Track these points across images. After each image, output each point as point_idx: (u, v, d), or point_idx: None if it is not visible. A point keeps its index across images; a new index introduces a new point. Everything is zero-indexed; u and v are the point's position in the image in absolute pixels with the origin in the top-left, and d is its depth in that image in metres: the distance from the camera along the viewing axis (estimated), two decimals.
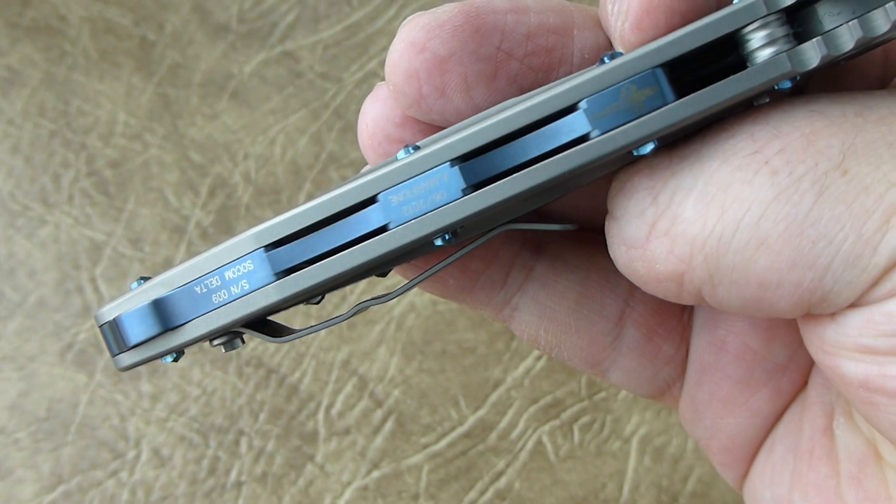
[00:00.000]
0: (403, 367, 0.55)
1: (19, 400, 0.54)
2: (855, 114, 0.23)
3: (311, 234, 0.27)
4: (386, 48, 0.61)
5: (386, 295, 0.29)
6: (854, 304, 0.23)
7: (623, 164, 0.26)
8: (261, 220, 0.50)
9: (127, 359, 0.29)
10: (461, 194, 0.25)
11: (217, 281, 0.27)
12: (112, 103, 0.60)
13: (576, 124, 0.24)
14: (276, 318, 0.31)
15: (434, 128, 0.28)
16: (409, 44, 0.26)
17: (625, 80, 0.24)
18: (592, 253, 0.32)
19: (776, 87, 0.24)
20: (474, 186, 0.25)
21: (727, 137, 0.23)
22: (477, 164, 0.25)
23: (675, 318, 0.32)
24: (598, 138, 0.24)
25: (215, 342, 0.29)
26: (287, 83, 0.61)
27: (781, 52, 0.24)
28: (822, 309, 0.23)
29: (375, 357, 0.55)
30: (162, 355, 0.29)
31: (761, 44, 0.24)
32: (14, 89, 0.60)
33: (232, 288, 0.27)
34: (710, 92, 0.24)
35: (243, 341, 0.29)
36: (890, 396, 0.23)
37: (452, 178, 0.25)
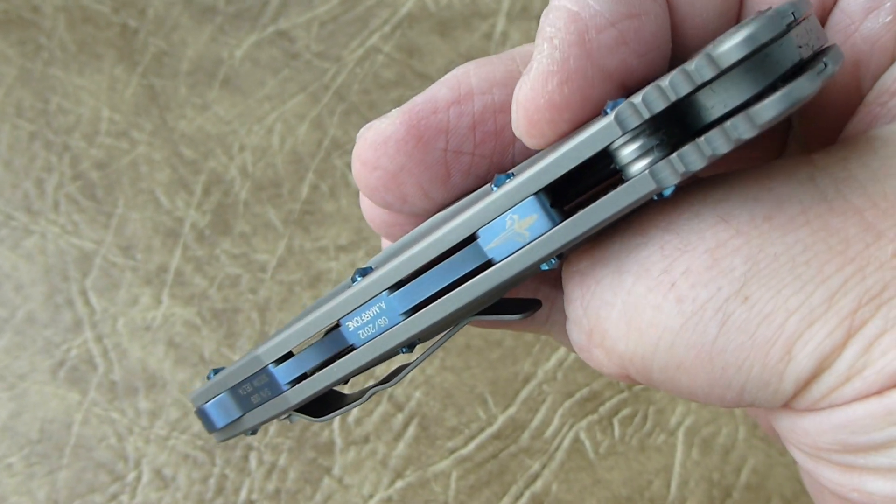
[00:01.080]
0: (424, 365, 0.54)
1: (10, 422, 0.53)
2: (763, 217, 0.24)
3: (304, 352, 0.31)
4: (388, 21, 0.62)
5: (394, 378, 0.33)
6: (808, 400, 0.24)
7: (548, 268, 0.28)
8: (261, 218, 0.49)
9: (219, 436, 0.35)
10: (401, 318, 0.29)
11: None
12: (94, 99, 0.60)
13: (477, 253, 0.27)
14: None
15: None
16: (362, 163, 0.28)
17: (508, 210, 0.26)
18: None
19: (658, 197, 0.25)
20: (412, 310, 0.29)
21: (640, 245, 0.25)
22: (408, 291, 0.28)
23: None
24: (500, 264, 0.27)
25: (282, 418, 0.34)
26: (282, 66, 0.61)
27: (656, 162, 0.24)
28: (757, 408, 0.26)
29: (394, 357, 0.53)
30: (247, 432, 0.34)
31: (633, 157, 0.24)
32: None
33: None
34: (589, 213, 0.25)
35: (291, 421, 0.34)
36: (868, 498, 0.25)
37: (390, 305, 0.29)
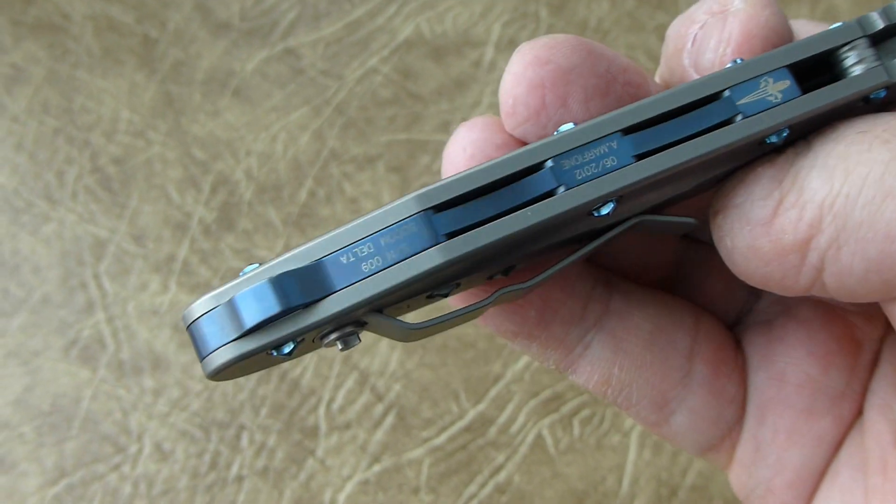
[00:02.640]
0: (404, 361, 0.55)
1: (24, 395, 0.54)
2: None
3: (478, 199, 0.26)
4: (387, 45, 0.62)
5: (528, 282, 0.29)
6: None
7: (741, 161, 0.28)
8: (263, 217, 0.50)
9: (225, 354, 0.26)
10: (632, 160, 0.26)
11: (370, 248, 0.26)
12: (115, 100, 0.60)
13: (727, 107, 0.27)
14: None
15: None
16: (534, 57, 0.27)
17: (762, 74, 0.27)
18: (656, 292, 0.33)
19: (871, 97, 0.27)
20: (642, 155, 0.26)
21: (834, 132, 0.26)
22: (645, 135, 0.27)
23: (733, 357, 0.33)
24: (748, 119, 0.26)
25: (334, 335, 0.27)
26: (289, 80, 0.61)
27: (884, 61, 0.27)
28: None
29: (376, 352, 0.55)
30: (281, 342, 0.26)
31: (862, 57, 0.27)
32: (18, 87, 0.61)
33: (388, 254, 0.26)
34: (829, 90, 0.26)
35: (359, 339, 0.27)
36: None
37: (623, 146, 0.26)
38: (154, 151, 0.59)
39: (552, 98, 0.27)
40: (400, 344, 0.55)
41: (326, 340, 0.27)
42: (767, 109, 0.26)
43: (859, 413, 0.31)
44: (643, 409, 0.33)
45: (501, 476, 0.53)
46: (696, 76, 0.28)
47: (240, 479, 0.53)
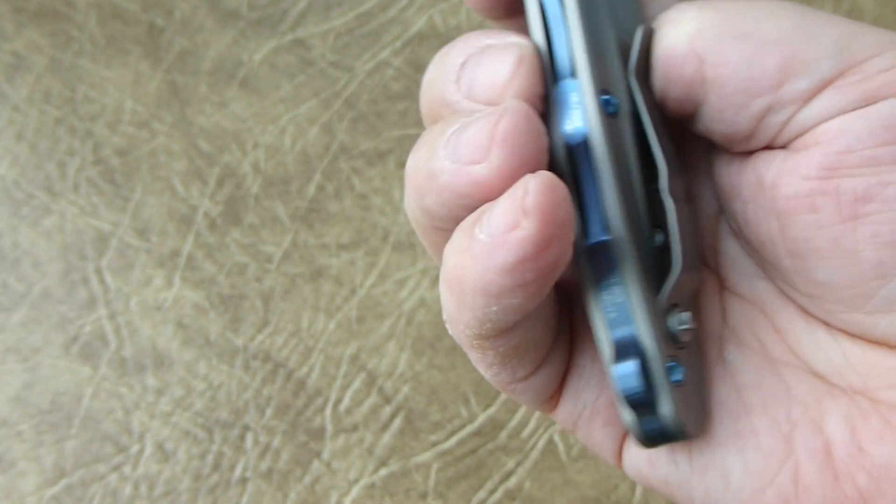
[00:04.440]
0: (413, 362, 0.55)
1: (23, 392, 0.54)
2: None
3: None
4: (399, 37, 0.62)
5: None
6: (830, 110, 0.26)
7: None
8: (270, 212, 0.49)
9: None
10: None
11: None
12: (119, 90, 0.60)
13: None
14: None
15: None
16: None
17: None
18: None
19: None
20: None
21: None
22: None
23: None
24: None
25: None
26: (298, 71, 0.61)
27: None
28: (798, 79, 0.27)
29: (385, 352, 0.55)
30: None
31: None
32: (19, 75, 0.61)
33: None
34: None
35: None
36: (885, 202, 0.26)
37: None
38: (159, 143, 0.59)
39: None
40: (409, 345, 0.55)
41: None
42: None
43: None
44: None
45: (512, 482, 0.53)
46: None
47: (243, 481, 0.53)
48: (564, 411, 0.33)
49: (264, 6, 0.62)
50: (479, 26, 0.61)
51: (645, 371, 0.27)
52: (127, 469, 0.53)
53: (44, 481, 0.52)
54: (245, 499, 0.52)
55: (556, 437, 0.53)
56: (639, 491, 0.52)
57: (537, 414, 0.53)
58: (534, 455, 0.53)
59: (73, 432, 0.53)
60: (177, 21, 0.62)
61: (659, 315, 0.28)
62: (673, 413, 0.27)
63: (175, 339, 0.55)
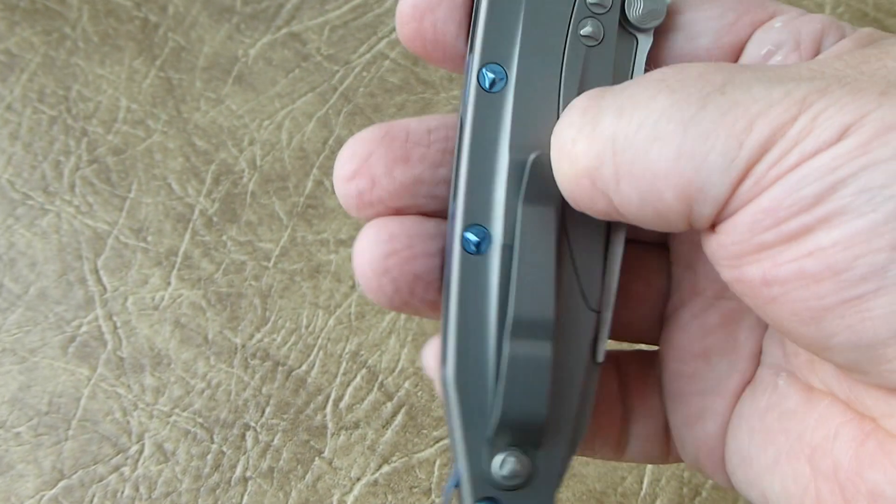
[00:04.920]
0: (414, 357, 0.55)
1: (20, 393, 0.54)
2: (736, 68, 0.29)
3: None
4: (395, 29, 0.61)
5: None
6: (731, 211, 0.27)
7: None
8: (267, 209, 0.49)
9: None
10: None
11: None
12: (113, 88, 0.60)
13: None
14: None
15: None
16: (344, 153, 0.34)
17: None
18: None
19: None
20: None
21: (645, 76, 0.29)
22: None
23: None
24: None
25: None
26: (293, 66, 0.61)
27: None
28: (701, 203, 0.27)
29: (385, 348, 0.55)
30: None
31: None
32: (12, 74, 0.60)
33: None
34: None
35: None
36: (783, 283, 0.27)
37: None
38: (154, 141, 0.59)
39: (364, 183, 0.33)
40: (410, 340, 0.55)
41: None
42: None
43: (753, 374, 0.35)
44: (603, 455, 0.37)
45: None
46: None
47: (244, 480, 0.52)
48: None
49: (258, 0, 0.62)
50: None
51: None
52: (126, 470, 0.52)
53: (42, 483, 0.52)
54: (246, 498, 0.52)
55: None
56: (646, 483, 0.52)
57: None
58: None
59: (72, 433, 0.53)
60: (170, 17, 0.62)
61: (481, 457, 0.30)
62: None
63: (173, 339, 0.55)
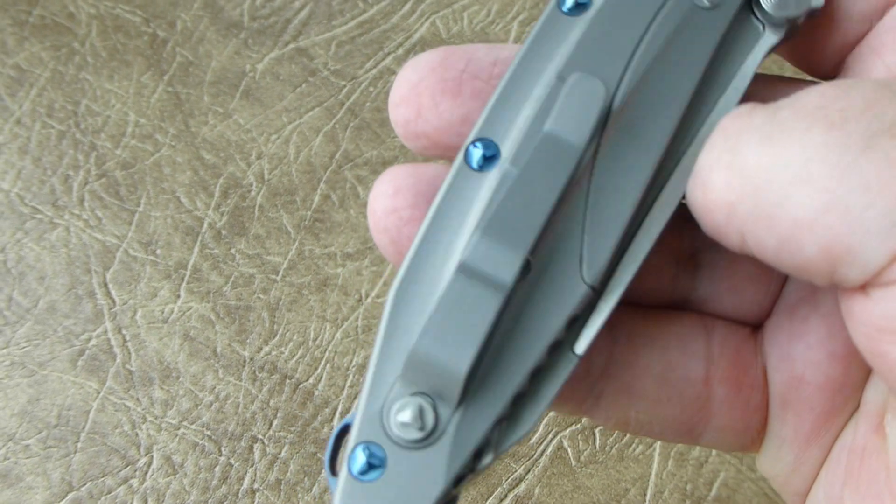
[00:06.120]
0: None
1: (29, 406, 0.54)
2: None
3: None
4: (401, 44, 0.62)
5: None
6: (886, 280, 0.23)
7: None
8: (275, 222, 0.49)
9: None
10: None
11: None
12: (122, 103, 0.60)
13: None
14: None
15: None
16: (398, 78, 0.30)
17: None
18: (662, 322, 0.32)
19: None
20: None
21: (802, 94, 0.25)
22: None
23: (753, 364, 0.32)
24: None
25: None
26: (301, 81, 0.61)
27: None
28: (847, 266, 0.23)
29: None
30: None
31: None
32: (22, 89, 0.61)
33: None
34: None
35: None
36: None
37: None
38: (162, 155, 0.59)
39: (410, 112, 0.29)
40: None
41: None
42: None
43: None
44: (670, 437, 0.33)
45: (521, 488, 0.52)
46: None
47: (252, 492, 0.52)
48: (763, 465, 0.34)
49: (266, 16, 0.62)
50: (481, 33, 0.62)
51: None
52: (135, 482, 0.52)
53: (51, 496, 0.52)
54: None
55: (566, 443, 0.53)
56: (649, 495, 0.52)
57: (547, 420, 0.53)
58: (543, 461, 0.53)
59: (81, 446, 0.53)
60: (179, 32, 0.62)
61: (383, 395, 0.25)
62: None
63: (182, 352, 0.55)
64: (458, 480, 0.25)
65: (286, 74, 0.61)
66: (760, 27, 0.27)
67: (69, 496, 0.52)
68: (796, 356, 0.31)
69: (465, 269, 0.24)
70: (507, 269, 0.24)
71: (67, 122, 0.60)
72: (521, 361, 0.25)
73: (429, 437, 0.25)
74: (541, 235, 0.25)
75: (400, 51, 0.62)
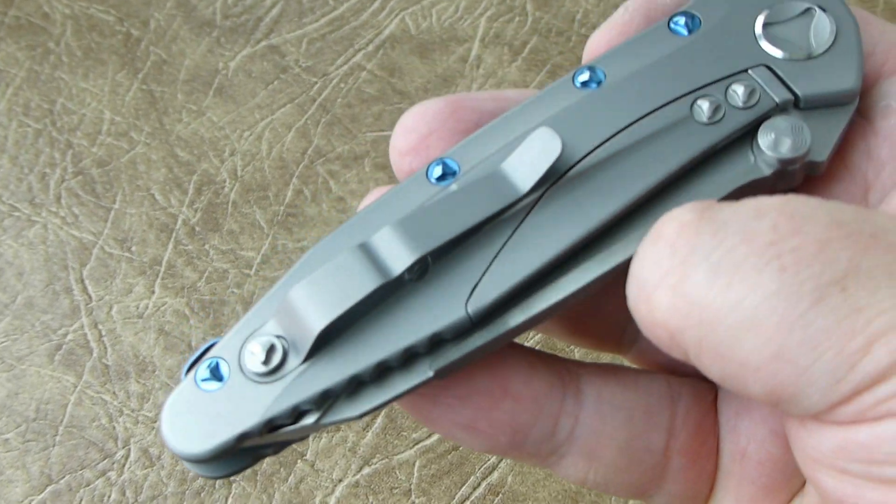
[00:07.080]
0: None
1: (8, 401, 0.54)
2: (870, 234, 0.23)
3: None
4: (371, 41, 0.62)
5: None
6: (824, 420, 0.23)
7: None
8: (248, 218, 0.49)
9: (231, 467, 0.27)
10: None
11: None
12: (97, 101, 0.61)
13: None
14: None
15: None
16: (402, 127, 0.29)
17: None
18: (630, 388, 0.32)
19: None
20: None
21: (753, 217, 0.24)
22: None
23: (711, 433, 0.32)
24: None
25: None
26: (273, 78, 0.61)
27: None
28: (790, 406, 0.24)
29: None
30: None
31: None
32: None
33: None
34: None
35: None
36: None
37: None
38: (137, 152, 0.59)
39: (419, 162, 0.29)
40: None
41: None
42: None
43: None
44: (620, 495, 0.33)
45: (494, 477, 0.53)
46: None
47: (228, 483, 0.52)
48: None
49: (238, 14, 0.63)
50: (450, 29, 0.62)
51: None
52: (113, 475, 0.53)
53: (31, 488, 0.52)
54: (230, 501, 0.52)
55: None
56: None
57: None
58: None
59: (59, 439, 0.53)
60: (152, 31, 0.62)
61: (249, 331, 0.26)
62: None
63: (157, 346, 0.55)
64: (275, 427, 0.26)
65: (258, 72, 0.61)
66: (752, 159, 0.28)
67: (48, 489, 0.52)
68: (741, 430, 0.31)
69: (364, 248, 0.26)
70: (399, 261, 0.25)
71: (43, 121, 0.60)
72: (372, 351, 0.26)
73: (268, 376, 0.25)
74: (445, 247, 0.26)
75: (370, 47, 0.62)
